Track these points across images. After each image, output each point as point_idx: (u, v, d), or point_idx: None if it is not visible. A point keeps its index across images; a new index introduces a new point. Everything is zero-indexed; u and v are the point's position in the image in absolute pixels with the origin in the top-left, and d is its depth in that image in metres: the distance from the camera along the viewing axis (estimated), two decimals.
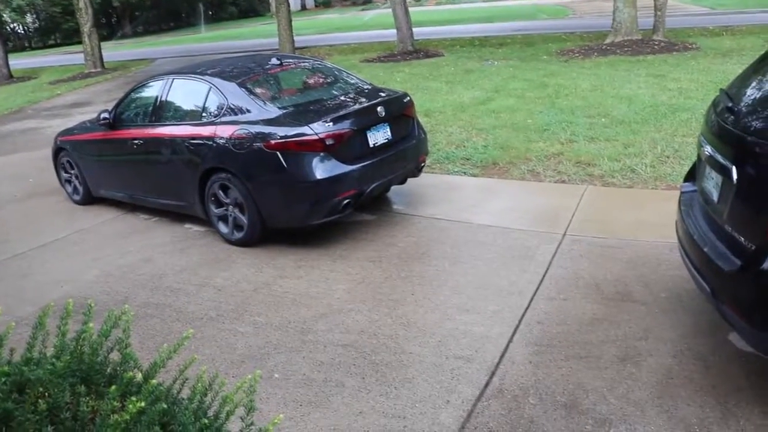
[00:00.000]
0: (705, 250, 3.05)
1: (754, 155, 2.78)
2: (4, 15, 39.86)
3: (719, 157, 3.04)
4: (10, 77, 23.13)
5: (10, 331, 1.83)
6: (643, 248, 4.76)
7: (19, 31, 52.96)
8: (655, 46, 13.78)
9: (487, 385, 3.38)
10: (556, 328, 3.85)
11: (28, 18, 51.34)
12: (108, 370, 1.85)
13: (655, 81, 10.53)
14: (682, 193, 3.79)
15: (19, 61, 29.75)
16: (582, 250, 4.87)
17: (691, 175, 3.81)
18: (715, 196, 3.11)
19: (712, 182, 3.17)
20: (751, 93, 3.14)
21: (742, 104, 3.07)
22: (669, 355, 3.46)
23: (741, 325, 2.84)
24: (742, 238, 2.79)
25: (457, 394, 3.32)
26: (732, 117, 3.02)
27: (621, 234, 5.05)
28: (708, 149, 3.21)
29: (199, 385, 1.89)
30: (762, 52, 3.56)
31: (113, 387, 1.64)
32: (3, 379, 1.57)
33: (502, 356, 3.61)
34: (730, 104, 3.11)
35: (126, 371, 1.83)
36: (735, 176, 2.82)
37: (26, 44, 52.66)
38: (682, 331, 3.68)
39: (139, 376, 1.82)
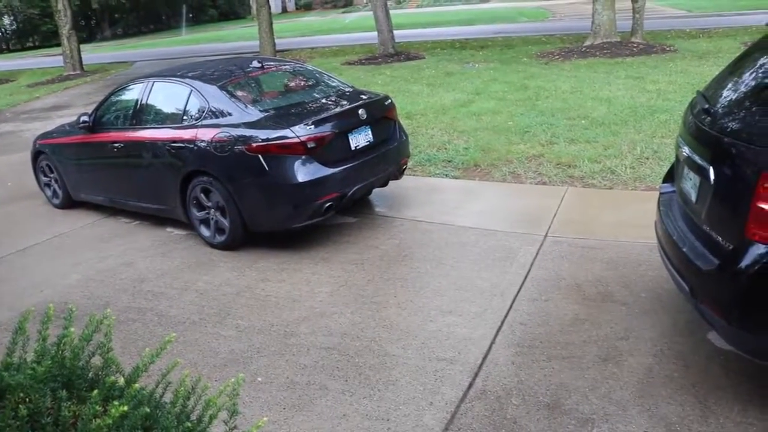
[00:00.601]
0: (684, 249, 3.09)
1: (731, 156, 2.82)
2: None
3: (697, 158, 3.08)
4: None
5: None
6: (624, 249, 4.80)
7: None
8: (634, 49, 13.91)
9: (470, 386, 3.39)
10: (538, 329, 3.87)
11: (6, 20, 50.77)
12: (90, 375, 1.84)
13: (633, 83, 10.64)
14: (661, 194, 3.84)
15: None
16: (563, 251, 4.91)
17: (670, 176, 3.86)
18: (693, 197, 3.15)
19: (690, 183, 3.22)
20: (727, 95, 3.19)
21: (719, 106, 3.11)
22: (649, 355, 3.50)
23: (720, 323, 2.88)
24: (720, 238, 2.83)
25: (441, 395, 3.33)
26: (709, 118, 3.07)
27: (601, 235, 5.10)
28: (686, 150, 3.26)
29: (182, 389, 1.88)
30: (737, 54, 3.61)
31: (95, 391, 1.63)
32: None
33: (484, 358, 3.63)
34: (706, 106, 3.16)
35: (108, 375, 1.82)
36: (712, 177, 2.86)
37: (3, 46, 52.07)
38: (662, 331, 3.72)
39: (122, 381, 1.81)
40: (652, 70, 11.69)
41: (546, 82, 11.47)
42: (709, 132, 3.01)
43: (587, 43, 15.03)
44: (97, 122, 6.56)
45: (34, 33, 51.09)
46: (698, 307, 3.03)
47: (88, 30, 52.09)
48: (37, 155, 7.56)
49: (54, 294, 5.04)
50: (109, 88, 6.80)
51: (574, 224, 5.40)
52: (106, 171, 6.59)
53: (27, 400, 1.61)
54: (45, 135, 7.69)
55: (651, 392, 3.18)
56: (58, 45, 24.66)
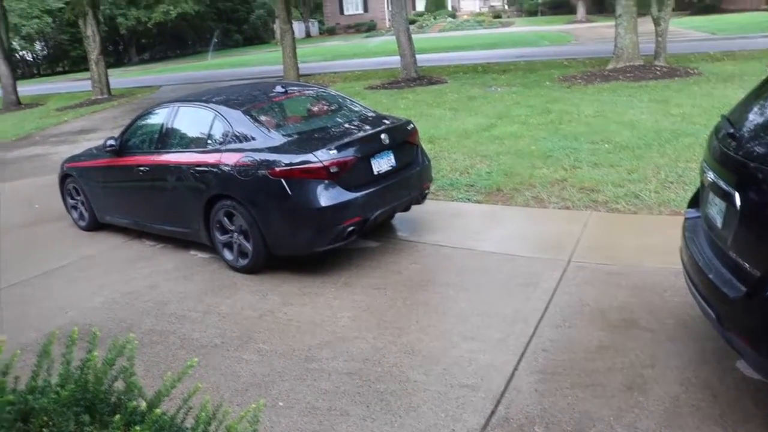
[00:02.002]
0: (710, 276, 3.04)
1: (757, 181, 2.78)
2: (14, 43, 40.34)
3: (722, 184, 3.04)
4: (18, 104, 23.34)
5: (15, 359, 1.83)
6: (649, 274, 4.75)
7: (27, 58, 53.58)
8: (657, 72, 13.86)
9: (492, 413, 3.35)
10: (562, 355, 3.83)
11: (37, 45, 51.96)
12: (112, 399, 1.85)
13: (657, 106, 10.58)
14: (686, 219, 3.79)
15: (27, 88, 30.06)
16: (587, 276, 4.86)
17: (695, 201, 3.81)
18: (719, 223, 3.11)
19: (715, 208, 3.18)
20: (753, 118, 3.15)
21: (744, 130, 3.08)
22: (676, 383, 3.44)
23: (748, 352, 2.82)
24: (747, 265, 2.78)
25: (463, 422, 3.29)
26: (734, 143, 3.03)
27: (626, 260, 5.04)
28: (711, 175, 3.22)
29: (203, 414, 1.88)
30: (763, 78, 3.58)
31: (117, 416, 1.64)
32: (8, 408, 1.57)
33: (507, 385, 3.59)
34: (731, 130, 3.12)
35: (130, 400, 1.83)
36: (738, 202, 2.82)
37: (35, 71, 53.26)
38: (688, 359, 3.66)
39: (143, 405, 1.82)
40: (676, 93, 11.63)
41: (569, 106, 11.45)
42: (734, 157, 2.97)
43: (610, 66, 15.00)
44: (123, 146, 6.66)
45: (64, 58, 52.24)
46: (726, 335, 2.97)
47: (116, 55, 53.15)
48: (64, 178, 7.69)
49: (78, 316, 5.09)
50: (136, 111, 6.91)
51: (598, 249, 5.35)
52: (131, 194, 6.68)
53: (51, 423, 1.62)
54: (72, 158, 7.82)
55: (678, 422, 3.12)
56: (87, 70, 25.14)
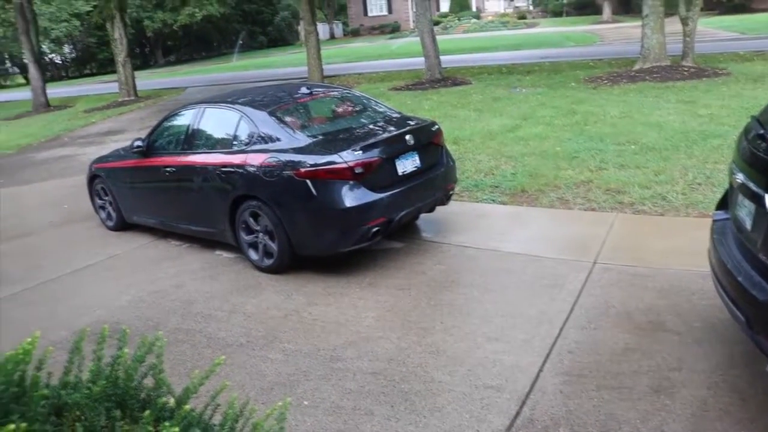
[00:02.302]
0: (739, 279, 3.00)
1: None
2: (44, 46, 40.97)
3: (752, 185, 3.00)
4: (47, 106, 23.74)
5: (48, 356, 1.86)
6: (676, 277, 4.70)
7: (56, 61, 54.39)
8: (685, 72, 13.70)
9: (517, 415, 3.34)
10: (588, 357, 3.80)
11: (66, 48, 52.72)
12: (142, 395, 1.88)
13: (685, 107, 10.46)
14: (714, 221, 3.74)
15: (56, 90, 30.52)
16: (613, 278, 4.83)
17: (724, 203, 3.77)
18: (748, 224, 3.07)
19: (744, 210, 3.14)
20: None
21: None
22: (704, 387, 3.40)
23: None
24: None
25: (487, 423, 3.29)
26: (764, 144, 2.99)
27: (652, 262, 4.99)
28: (740, 177, 3.18)
29: (231, 411, 1.91)
30: None
31: (147, 412, 1.67)
32: (42, 402, 1.60)
33: (532, 386, 3.58)
34: (761, 131, 3.08)
35: (159, 396, 1.85)
36: None
37: (63, 74, 54.07)
38: (716, 362, 3.61)
39: (172, 402, 1.84)
40: (704, 94, 11.48)
41: (594, 107, 11.36)
42: (764, 158, 2.94)
43: (636, 67, 14.86)
44: (150, 147, 6.74)
45: (92, 60, 52.94)
46: (755, 339, 2.93)
47: (143, 57, 53.80)
48: (92, 179, 7.80)
49: (107, 314, 5.16)
50: (162, 113, 7.00)
51: (624, 251, 5.31)
52: (158, 194, 6.75)
53: (83, 418, 1.65)
54: (100, 159, 7.93)
55: (705, 426, 3.08)
56: (114, 72, 25.44)
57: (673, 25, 16.33)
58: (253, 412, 1.99)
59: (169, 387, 1.95)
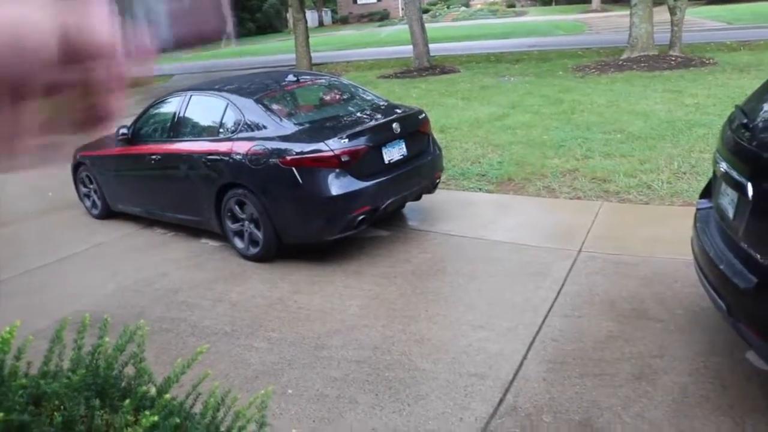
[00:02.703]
0: (721, 267, 3.03)
1: None
2: None
3: (735, 174, 3.02)
4: None
5: (28, 345, 1.85)
6: (659, 265, 4.73)
7: None
8: (672, 62, 13.74)
9: (500, 402, 3.36)
10: (571, 345, 3.83)
11: None
12: (122, 384, 1.87)
13: (671, 96, 10.50)
14: (698, 210, 3.77)
15: None
16: (597, 266, 4.85)
17: (707, 192, 3.80)
18: (730, 213, 3.09)
19: (727, 199, 3.16)
20: (767, 109, 3.13)
21: (758, 120, 3.06)
22: (685, 374, 3.43)
23: (758, 343, 2.82)
24: (758, 256, 2.77)
25: (471, 411, 3.31)
26: (748, 133, 3.01)
27: (636, 251, 5.02)
28: (723, 166, 3.20)
29: (212, 400, 1.90)
30: None
31: (127, 401, 1.66)
32: (20, 392, 1.59)
33: (516, 373, 3.60)
34: (745, 120, 3.10)
35: (140, 385, 1.84)
36: (751, 193, 2.81)
37: None
38: (698, 349, 3.65)
39: (153, 391, 1.84)
40: (690, 83, 11.53)
41: (582, 96, 11.38)
42: (747, 147, 2.96)
43: (624, 56, 14.89)
44: (135, 134, 6.69)
45: None
46: (736, 326, 2.97)
47: None
48: (77, 167, 7.73)
49: (91, 303, 5.13)
50: (149, 100, 6.93)
51: (609, 240, 5.34)
52: (143, 182, 6.71)
53: (62, 407, 1.64)
54: (85, 147, 7.84)
55: (686, 412, 3.12)
56: None
57: (661, 14, 16.35)
58: (235, 400, 1.99)
59: (150, 375, 1.95)
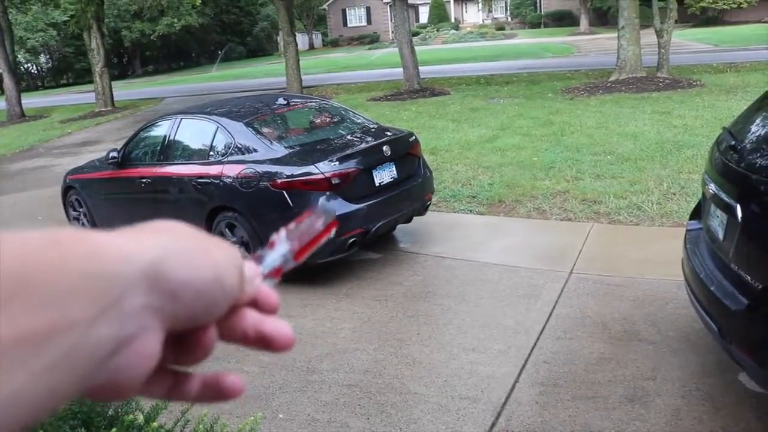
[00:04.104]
0: (712, 288, 3.03)
1: (759, 193, 2.78)
2: (19, 56, 40.53)
3: (724, 196, 3.04)
4: (22, 116, 23.41)
5: None
6: (650, 286, 4.73)
7: (32, 70, 53.79)
8: (660, 84, 13.88)
9: (493, 426, 3.34)
10: (563, 367, 3.81)
11: (42, 58, 52.17)
12: (109, 413, 1.85)
13: (660, 118, 10.58)
14: (688, 231, 3.78)
15: (31, 100, 30.13)
16: (588, 288, 4.85)
17: (697, 213, 3.81)
18: (720, 235, 3.10)
19: (717, 220, 3.17)
20: (755, 131, 3.16)
21: (746, 142, 3.08)
22: (678, 396, 3.42)
23: (750, 365, 2.81)
24: (749, 277, 2.77)
25: None
26: (735, 155, 3.03)
27: (627, 272, 5.03)
28: (712, 187, 3.22)
29: (201, 427, 1.88)
30: (766, 90, 3.58)
31: (113, 430, 1.64)
32: None
33: (508, 396, 3.57)
34: (733, 142, 3.12)
35: (127, 413, 1.82)
36: (740, 214, 2.82)
37: (39, 83, 53.42)
38: (690, 371, 3.64)
39: (141, 419, 1.81)
40: (678, 105, 11.63)
41: (571, 118, 11.46)
42: (735, 169, 2.97)
43: (612, 78, 15.03)
44: (125, 158, 6.67)
45: (69, 70, 52.41)
46: (727, 348, 2.96)
47: (120, 67, 53.41)
48: (67, 190, 7.70)
49: None
50: (139, 123, 6.94)
51: (600, 261, 5.34)
52: (133, 206, 6.68)
53: None
54: (75, 170, 7.84)
55: None
56: (91, 82, 25.20)
57: (649, 37, 16.55)
58: (225, 427, 1.97)
59: (137, 403, 1.92)
